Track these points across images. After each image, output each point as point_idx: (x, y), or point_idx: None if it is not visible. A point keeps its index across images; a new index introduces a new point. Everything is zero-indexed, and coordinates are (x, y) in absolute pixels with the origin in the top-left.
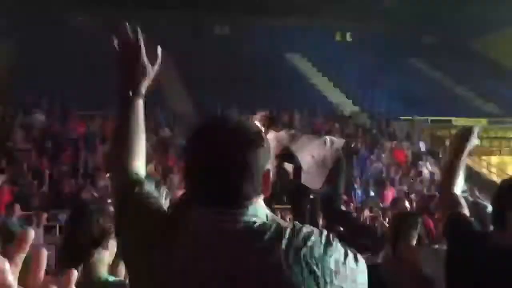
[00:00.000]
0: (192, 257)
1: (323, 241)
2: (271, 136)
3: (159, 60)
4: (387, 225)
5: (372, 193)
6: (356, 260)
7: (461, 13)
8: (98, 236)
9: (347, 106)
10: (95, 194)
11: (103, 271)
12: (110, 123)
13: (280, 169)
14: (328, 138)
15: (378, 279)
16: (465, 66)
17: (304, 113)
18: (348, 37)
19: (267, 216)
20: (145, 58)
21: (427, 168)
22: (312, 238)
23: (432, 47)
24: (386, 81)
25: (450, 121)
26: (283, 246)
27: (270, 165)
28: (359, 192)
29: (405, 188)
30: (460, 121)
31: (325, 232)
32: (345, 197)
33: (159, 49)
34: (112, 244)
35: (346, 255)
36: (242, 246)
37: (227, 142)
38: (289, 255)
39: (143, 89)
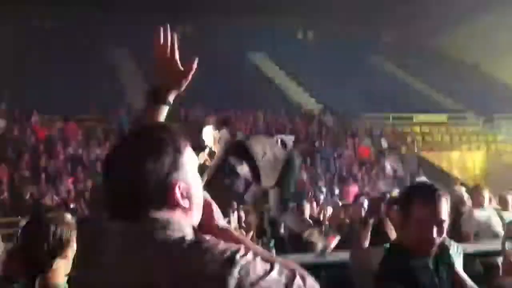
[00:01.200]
0: (100, 275)
1: (225, 258)
2: (223, 133)
3: (192, 73)
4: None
5: (337, 191)
6: (291, 285)
7: (421, 10)
8: (55, 247)
9: (310, 105)
10: (56, 199)
11: (60, 281)
12: (71, 126)
13: (228, 165)
14: (279, 137)
15: (347, 279)
16: (425, 63)
17: (268, 112)
18: (310, 36)
19: (180, 229)
20: (177, 69)
21: (390, 165)
22: (209, 254)
23: (392, 45)
24: (347, 79)
25: (411, 118)
26: (172, 262)
27: (181, 175)
28: (324, 189)
29: (368, 185)
30: (420, 118)
31: (233, 248)
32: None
33: (195, 62)
34: (72, 252)
35: (260, 278)
36: (140, 260)
37: (122, 157)
38: (175, 272)
39: (171, 98)
